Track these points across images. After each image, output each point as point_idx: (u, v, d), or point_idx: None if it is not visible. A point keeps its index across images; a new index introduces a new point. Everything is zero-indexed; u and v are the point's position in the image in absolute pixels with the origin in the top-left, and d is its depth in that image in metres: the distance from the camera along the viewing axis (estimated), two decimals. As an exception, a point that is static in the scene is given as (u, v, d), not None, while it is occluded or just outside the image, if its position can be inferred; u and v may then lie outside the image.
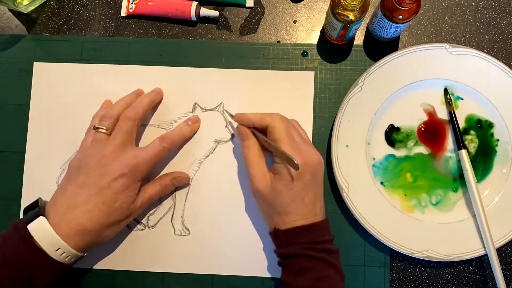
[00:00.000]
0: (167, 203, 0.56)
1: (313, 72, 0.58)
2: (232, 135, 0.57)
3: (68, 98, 0.58)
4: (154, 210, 0.56)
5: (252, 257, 0.55)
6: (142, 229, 0.56)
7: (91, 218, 0.47)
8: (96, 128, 0.51)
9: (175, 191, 0.56)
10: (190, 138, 0.57)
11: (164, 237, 0.56)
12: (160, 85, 0.58)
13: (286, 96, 0.58)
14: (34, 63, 0.59)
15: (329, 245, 0.49)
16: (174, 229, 0.56)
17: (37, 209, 0.47)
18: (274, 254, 0.55)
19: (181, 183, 0.56)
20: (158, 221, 0.56)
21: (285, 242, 0.48)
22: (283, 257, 0.49)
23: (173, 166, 0.57)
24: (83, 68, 0.59)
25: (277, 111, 0.57)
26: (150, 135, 0.57)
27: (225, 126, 0.57)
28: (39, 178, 0.57)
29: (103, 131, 0.51)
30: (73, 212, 0.47)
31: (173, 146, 0.54)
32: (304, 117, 0.57)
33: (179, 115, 0.57)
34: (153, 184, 0.53)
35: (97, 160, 0.49)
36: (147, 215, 0.56)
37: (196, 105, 0.58)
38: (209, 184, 0.56)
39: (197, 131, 0.57)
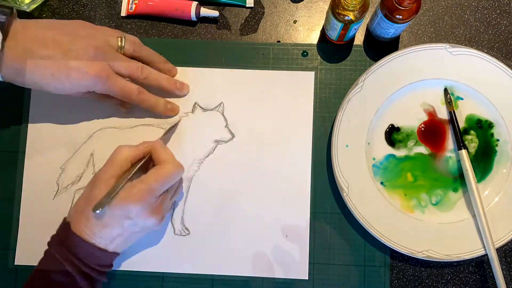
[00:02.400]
0: (167, 203, 0.56)
1: (313, 72, 0.58)
2: (232, 135, 0.57)
3: (68, 98, 0.58)
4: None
5: (252, 257, 0.55)
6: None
7: None
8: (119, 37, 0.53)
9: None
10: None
11: (164, 237, 0.55)
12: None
13: (286, 96, 0.57)
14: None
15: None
16: (174, 228, 0.56)
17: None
18: (274, 255, 0.55)
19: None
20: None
21: None
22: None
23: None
24: None
25: (277, 111, 0.57)
26: (149, 135, 0.57)
27: (225, 126, 0.57)
28: (39, 178, 0.57)
29: (119, 42, 0.52)
30: None
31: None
32: (304, 117, 0.57)
33: (179, 115, 0.57)
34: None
35: None
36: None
37: (196, 105, 0.58)
38: (209, 184, 0.56)
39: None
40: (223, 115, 0.57)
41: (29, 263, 0.55)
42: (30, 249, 0.56)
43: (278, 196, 0.56)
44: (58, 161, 0.57)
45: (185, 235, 0.55)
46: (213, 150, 0.57)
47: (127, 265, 0.55)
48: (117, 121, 0.57)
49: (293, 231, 0.55)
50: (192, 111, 0.58)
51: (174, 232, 0.56)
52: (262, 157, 0.57)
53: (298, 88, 0.58)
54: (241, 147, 0.57)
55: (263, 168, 0.56)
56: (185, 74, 0.58)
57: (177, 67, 0.58)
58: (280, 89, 0.58)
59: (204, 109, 0.58)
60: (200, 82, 0.58)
